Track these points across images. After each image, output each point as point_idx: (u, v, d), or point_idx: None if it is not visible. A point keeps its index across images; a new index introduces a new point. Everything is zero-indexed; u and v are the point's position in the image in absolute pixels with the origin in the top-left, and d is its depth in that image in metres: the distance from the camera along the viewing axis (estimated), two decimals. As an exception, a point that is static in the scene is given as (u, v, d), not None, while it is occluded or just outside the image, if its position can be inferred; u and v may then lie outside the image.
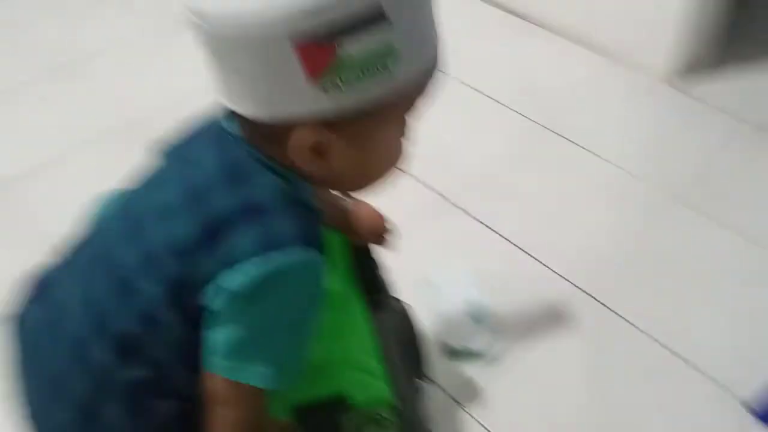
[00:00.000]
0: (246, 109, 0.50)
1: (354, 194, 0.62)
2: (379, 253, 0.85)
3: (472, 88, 1.58)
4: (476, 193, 1.34)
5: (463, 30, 1.62)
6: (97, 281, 0.54)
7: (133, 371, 0.53)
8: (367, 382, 0.72)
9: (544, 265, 1.21)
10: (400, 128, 0.55)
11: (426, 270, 1.17)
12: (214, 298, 0.50)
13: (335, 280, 0.74)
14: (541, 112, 1.51)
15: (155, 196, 0.55)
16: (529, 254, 1.23)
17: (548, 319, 1.14)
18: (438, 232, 1.27)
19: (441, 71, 0.54)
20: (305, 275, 0.53)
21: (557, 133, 1.47)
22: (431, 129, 1.42)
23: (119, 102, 1.54)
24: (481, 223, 1.29)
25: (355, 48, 0.46)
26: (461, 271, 1.17)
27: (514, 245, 1.25)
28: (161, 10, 1.77)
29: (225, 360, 0.52)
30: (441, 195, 1.34)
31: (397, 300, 0.97)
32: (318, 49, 0.45)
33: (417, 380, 0.94)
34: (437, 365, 1.07)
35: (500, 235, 1.27)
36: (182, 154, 0.56)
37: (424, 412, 0.90)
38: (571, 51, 1.68)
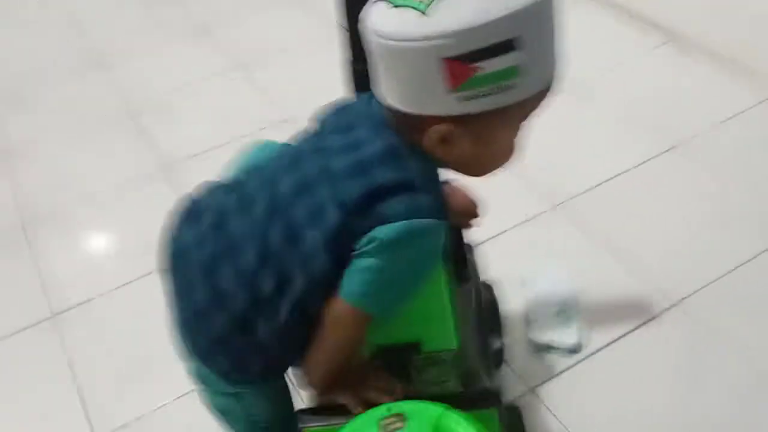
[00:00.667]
0: (400, 104, 0.65)
1: (469, 178, 0.75)
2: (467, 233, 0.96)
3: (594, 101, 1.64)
4: (582, 200, 1.41)
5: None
6: (271, 228, 0.69)
7: (285, 298, 0.69)
8: (440, 335, 0.84)
9: (636, 269, 1.26)
10: (515, 131, 0.68)
11: (521, 264, 1.26)
12: (366, 245, 0.65)
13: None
14: (669, 134, 1.55)
15: (322, 161, 0.69)
16: (623, 259, 1.28)
17: (634, 322, 1.19)
18: (537, 231, 1.36)
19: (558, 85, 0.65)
20: (434, 240, 0.68)
21: (681, 155, 1.50)
22: (552, 135, 1.53)
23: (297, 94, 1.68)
24: (578, 227, 1.36)
25: (487, 68, 0.59)
26: (554, 267, 1.25)
27: (612, 250, 1.30)
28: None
29: (357, 290, 0.67)
30: (547, 198, 1.42)
31: (486, 285, 1.07)
32: (460, 67, 0.59)
33: (491, 354, 1.03)
34: (520, 354, 1.15)
35: (597, 239, 1.33)
36: (344, 127, 0.71)
37: (490, 377, 0.99)
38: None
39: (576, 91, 1.67)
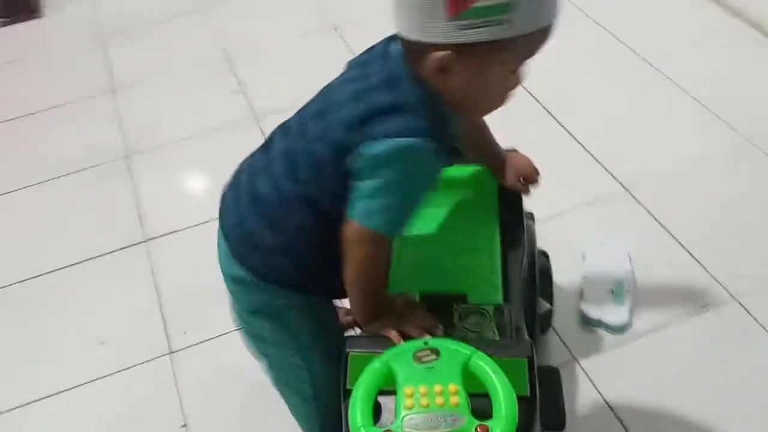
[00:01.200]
0: (406, 31, 0.71)
1: (471, 115, 0.82)
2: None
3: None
4: (654, 182, 1.43)
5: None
6: (296, 144, 0.82)
7: (305, 201, 0.80)
8: (485, 289, 0.91)
9: (698, 257, 1.28)
10: (508, 73, 0.73)
11: (584, 239, 1.31)
12: (357, 159, 0.73)
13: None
14: (747, 124, 1.53)
15: (339, 92, 0.79)
16: (686, 246, 1.30)
17: (688, 309, 1.21)
18: (604, 209, 1.40)
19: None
20: (423, 159, 0.74)
21: (758, 146, 1.48)
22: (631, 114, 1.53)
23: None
24: (647, 209, 1.38)
25: (483, 0, 0.65)
26: (616, 246, 1.28)
27: (676, 236, 1.32)
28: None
29: (359, 209, 0.75)
30: (619, 177, 1.45)
31: (542, 252, 1.13)
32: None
33: (538, 317, 1.09)
34: (569, 325, 1.21)
35: (663, 223, 1.35)
36: (362, 63, 0.81)
37: (534, 338, 1.03)
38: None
39: (656, 72, 1.68)
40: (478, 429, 0.66)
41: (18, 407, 1.23)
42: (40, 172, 1.69)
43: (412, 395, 0.69)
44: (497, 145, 0.99)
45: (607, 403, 1.10)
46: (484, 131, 0.97)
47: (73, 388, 1.24)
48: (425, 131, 0.72)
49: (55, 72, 2.06)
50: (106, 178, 1.66)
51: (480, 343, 0.77)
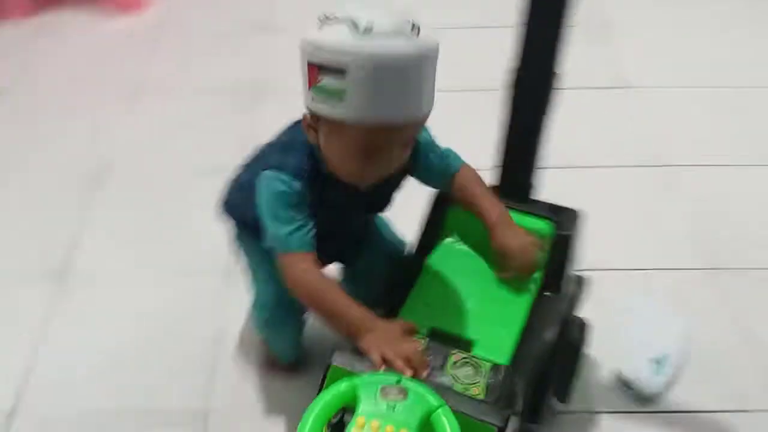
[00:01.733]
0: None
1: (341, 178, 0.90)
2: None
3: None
4: (740, 274, 1.34)
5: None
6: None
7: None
8: (495, 345, 0.89)
9: (757, 357, 1.20)
10: (351, 152, 0.85)
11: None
12: None
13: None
14: None
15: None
16: (749, 342, 1.22)
17: (729, 405, 1.14)
18: (678, 283, 1.32)
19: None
20: (278, 184, 0.90)
21: None
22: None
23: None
24: (722, 294, 1.29)
25: (326, 82, 0.79)
26: (676, 319, 1.22)
27: (743, 331, 1.24)
28: None
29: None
30: (705, 256, 1.37)
31: (580, 322, 1.06)
32: (313, 71, 0.80)
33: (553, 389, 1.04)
34: (598, 378, 1.17)
35: (734, 312, 1.26)
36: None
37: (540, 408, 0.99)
38: None
39: None
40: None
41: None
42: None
43: (362, 427, 0.70)
44: (488, 212, 0.96)
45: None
46: (466, 195, 0.98)
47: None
48: (291, 167, 0.90)
49: None
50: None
51: (456, 397, 0.77)
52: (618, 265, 1.33)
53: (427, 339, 0.87)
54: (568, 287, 0.98)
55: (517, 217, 0.96)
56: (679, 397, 1.14)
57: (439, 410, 0.72)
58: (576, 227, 0.96)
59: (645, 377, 1.15)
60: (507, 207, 0.96)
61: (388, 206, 1.02)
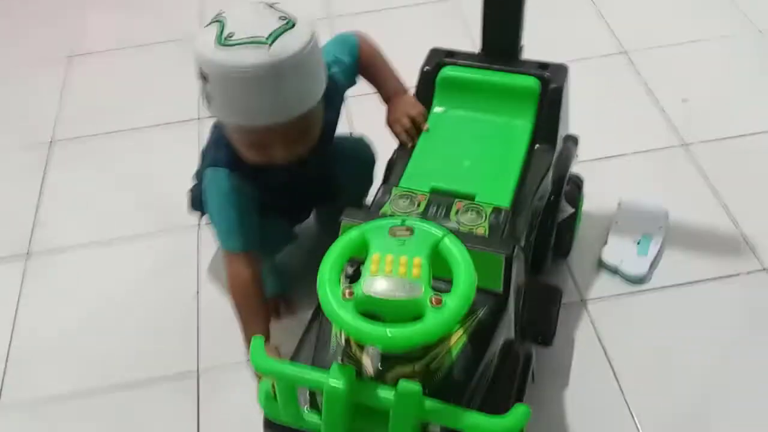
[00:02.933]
0: None
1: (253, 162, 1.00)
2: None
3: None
4: (713, 147, 1.42)
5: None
6: None
7: None
8: (496, 191, 0.96)
9: (738, 225, 1.28)
10: (246, 145, 0.97)
11: (626, 188, 1.33)
12: None
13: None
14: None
15: None
16: (729, 212, 1.30)
17: (714, 272, 1.21)
18: (655, 163, 1.40)
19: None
20: (220, 182, 1.02)
21: None
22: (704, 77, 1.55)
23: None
24: (699, 170, 1.38)
25: (200, 82, 0.91)
26: (656, 199, 1.30)
27: (723, 200, 1.32)
28: None
29: None
30: (679, 134, 1.45)
31: (577, 177, 1.16)
32: (201, 78, 0.90)
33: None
34: (586, 266, 1.24)
35: (712, 185, 1.34)
36: None
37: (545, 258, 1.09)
38: None
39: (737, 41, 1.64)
40: (433, 299, 0.73)
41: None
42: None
43: (378, 262, 0.76)
44: (391, 83, 1.11)
45: (604, 349, 1.13)
46: (373, 65, 1.10)
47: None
48: (223, 162, 1.01)
49: None
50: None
51: (462, 236, 0.84)
52: (593, 155, 1.38)
53: (429, 194, 0.94)
54: (562, 142, 1.05)
55: (504, 76, 1.03)
56: (665, 273, 1.22)
57: (445, 238, 0.79)
58: (565, 80, 1.03)
59: (629, 259, 1.23)
60: (495, 68, 1.04)
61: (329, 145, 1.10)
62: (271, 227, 1.12)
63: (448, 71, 1.06)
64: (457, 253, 0.77)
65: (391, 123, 1.09)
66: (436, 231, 0.79)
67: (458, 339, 0.81)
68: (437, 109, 1.08)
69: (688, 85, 1.56)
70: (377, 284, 0.74)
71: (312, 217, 1.29)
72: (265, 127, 0.92)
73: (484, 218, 0.91)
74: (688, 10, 1.75)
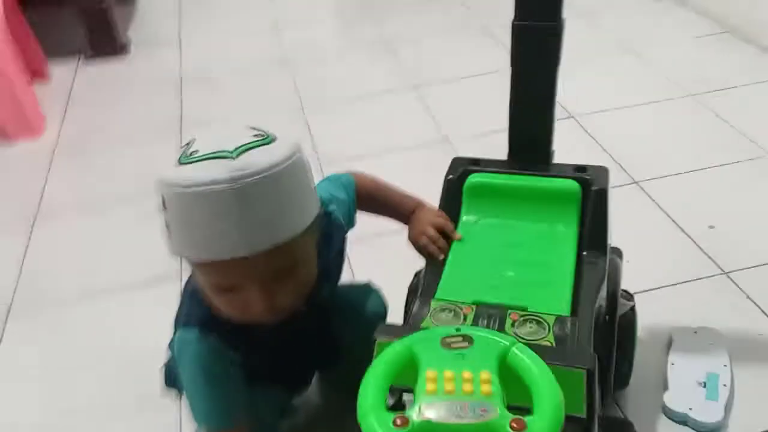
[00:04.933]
0: None
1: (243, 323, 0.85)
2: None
3: None
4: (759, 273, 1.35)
5: None
6: None
7: None
8: (551, 299, 0.86)
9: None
10: (213, 289, 0.82)
11: (671, 324, 1.23)
12: None
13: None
14: None
15: None
16: None
17: None
18: (699, 295, 1.32)
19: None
20: (195, 349, 0.88)
21: None
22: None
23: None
24: (751, 300, 1.29)
25: (163, 213, 0.77)
26: (709, 334, 1.20)
27: None
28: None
29: None
30: (717, 262, 1.38)
31: (626, 294, 1.07)
32: (161, 206, 0.77)
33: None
34: (651, 422, 1.10)
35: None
36: None
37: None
38: None
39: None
40: (514, 424, 0.59)
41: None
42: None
43: (435, 380, 0.64)
44: (406, 202, 1.05)
45: None
46: (377, 197, 1.04)
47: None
48: (197, 320, 0.87)
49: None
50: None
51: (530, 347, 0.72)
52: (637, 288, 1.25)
53: (474, 308, 0.83)
54: (611, 256, 0.98)
55: (540, 180, 0.98)
56: (743, 419, 1.09)
57: (514, 348, 0.67)
58: (608, 182, 0.98)
59: (698, 405, 1.09)
60: (531, 174, 0.99)
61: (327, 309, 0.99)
62: (262, 399, 0.97)
63: (476, 178, 1.00)
64: (531, 364, 0.65)
65: (415, 237, 1.00)
66: (502, 340, 0.67)
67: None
68: (467, 218, 1.00)
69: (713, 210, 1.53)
70: (438, 407, 0.61)
71: (314, 386, 1.15)
72: (233, 264, 0.76)
73: (547, 330, 0.79)
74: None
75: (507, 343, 0.67)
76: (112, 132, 2.08)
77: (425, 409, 0.61)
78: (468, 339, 0.67)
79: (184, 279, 1.14)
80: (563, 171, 1.00)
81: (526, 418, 0.60)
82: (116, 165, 1.93)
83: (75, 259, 1.61)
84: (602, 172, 1.00)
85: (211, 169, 0.73)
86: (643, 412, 1.11)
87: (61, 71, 2.41)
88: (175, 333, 0.92)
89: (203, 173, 0.72)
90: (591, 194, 0.97)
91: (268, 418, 0.98)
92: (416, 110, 2.00)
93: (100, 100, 2.27)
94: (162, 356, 1.06)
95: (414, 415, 0.61)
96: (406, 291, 1.04)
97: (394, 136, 1.88)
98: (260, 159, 0.74)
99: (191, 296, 0.90)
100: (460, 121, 1.90)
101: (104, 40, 2.45)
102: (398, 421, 0.60)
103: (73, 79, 2.39)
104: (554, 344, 0.77)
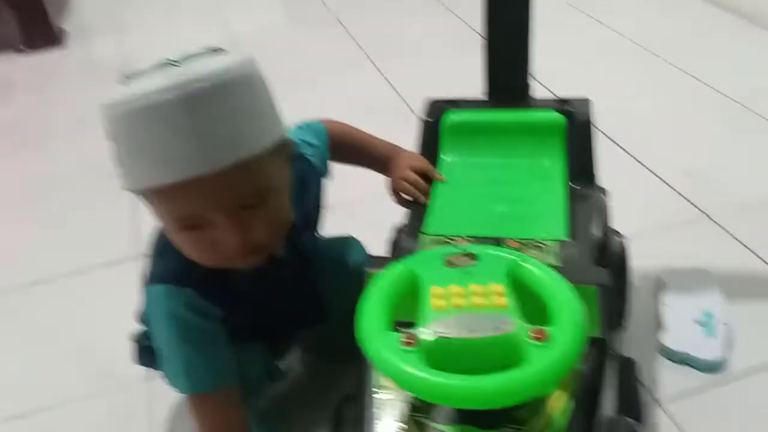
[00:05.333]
0: None
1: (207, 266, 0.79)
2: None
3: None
4: (741, 213, 1.34)
5: None
6: None
7: None
8: (548, 225, 0.83)
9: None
10: (175, 226, 0.75)
11: (659, 267, 1.20)
12: None
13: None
14: None
15: None
16: None
17: None
18: (684, 236, 1.30)
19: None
20: (163, 302, 0.81)
21: None
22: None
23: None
24: (736, 239, 1.28)
25: (113, 148, 0.72)
26: (700, 273, 1.17)
27: None
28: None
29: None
30: (700, 205, 1.37)
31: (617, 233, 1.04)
32: (110, 139, 0.72)
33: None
34: (650, 363, 1.07)
35: (755, 253, 1.24)
36: None
37: None
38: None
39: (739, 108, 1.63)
40: (534, 333, 0.54)
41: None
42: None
43: (441, 296, 0.58)
44: (380, 147, 1.01)
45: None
46: (351, 143, 0.99)
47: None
48: (168, 275, 0.81)
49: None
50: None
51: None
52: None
53: (469, 239, 0.77)
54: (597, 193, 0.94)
55: (522, 114, 0.94)
56: (743, 355, 1.06)
57: (523, 261, 0.62)
58: (591, 112, 0.94)
59: (697, 344, 1.06)
60: (510, 108, 0.95)
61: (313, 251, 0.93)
62: (246, 358, 0.89)
63: (454, 116, 0.95)
64: (544, 275, 0.60)
65: (395, 183, 0.95)
66: (509, 254, 0.62)
67: (560, 403, 0.60)
68: (447, 159, 0.95)
69: (675, 150, 1.53)
70: (449, 323, 0.55)
71: (296, 355, 1.08)
72: (192, 187, 0.69)
73: (549, 254, 0.74)
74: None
75: (515, 257, 0.61)
76: (52, 120, 1.98)
77: (435, 326, 0.55)
78: (472, 256, 0.62)
79: (140, 262, 1.07)
80: (544, 104, 0.96)
81: (547, 328, 0.55)
82: (58, 151, 1.84)
83: (22, 246, 1.52)
84: (584, 103, 0.97)
85: (155, 79, 0.67)
86: (640, 353, 1.07)
87: (-6, 65, 2.30)
88: (145, 297, 0.84)
89: (147, 84, 0.67)
90: (576, 125, 0.93)
91: (254, 379, 0.91)
92: (373, 78, 1.94)
93: (38, 89, 2.17)
94: (123, 338, 0.98)
95: (422, 332, 0.55)
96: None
97: (355, 105, 1.81)
98: (209, 65, 0.68)
99: (160, 253, 0.83)
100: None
101: (37, 30, 2.34)
102: (405, 339, 0.54)
103: (8, 71, 2.27)
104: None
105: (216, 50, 0.72)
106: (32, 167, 1.79)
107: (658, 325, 1.11)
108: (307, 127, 0.97)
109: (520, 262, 0.61)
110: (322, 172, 0.94)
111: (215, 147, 0.68)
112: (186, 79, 0.66)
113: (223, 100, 0.68)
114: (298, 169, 0.84)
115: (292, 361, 1.09)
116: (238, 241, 0.73)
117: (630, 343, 1.08)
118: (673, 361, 1.07)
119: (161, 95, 0.66)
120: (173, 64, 0.69)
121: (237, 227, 0.72)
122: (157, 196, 0.72)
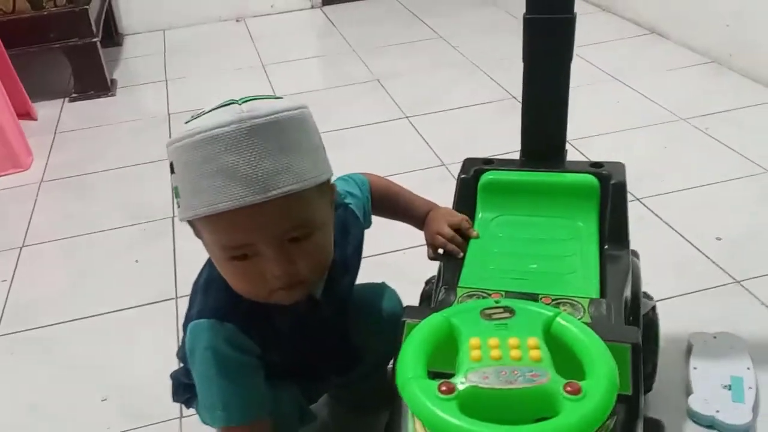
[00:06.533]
0: None
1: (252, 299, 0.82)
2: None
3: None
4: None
5: None
6: None
7: None
8: (579, 284, 0.85)
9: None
10: (223, 258, 0.79)
11: (688, 331, 1.20)
12: None
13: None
14: None
15: None
16: None
17: None
18: (712, 301, 1.30)
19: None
20: (206, 335, 0.83)
21: None
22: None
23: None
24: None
25: (172, 179, 0.77)
26: (729, 337, 1.17)
27: None
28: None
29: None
30: (732, 277, 1.36)
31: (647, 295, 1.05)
32: (170, 171, 0.77)
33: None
34: (673, 426, 1.07)
35: None
36: None
37: None
38: None
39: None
40: (568, 388, 0.56)
41: None
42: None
43: (479, 347, 0.61)
44: (419, 203, 1.04)
45: None
46: (391, 198, 1.03)
47: None
48: (211, 310, 0.83)
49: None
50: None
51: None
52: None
53: (504, 293, 0.79)
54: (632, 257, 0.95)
55: (556, 176, 0.96)
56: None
57: (558, 317, 0.64)
58: (625, 176, 0.96)
59: (725, 408, 1.06)
60: (546, 171, 0.97)
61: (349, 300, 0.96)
62: (280, 396, 0.91)
63: (491, 176, 0.98)
64: (579, 332, 0.62)
65: (431, 237, 0.98)
66: (545, 310, 0.64)
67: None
68: (483, 216, 0.99)
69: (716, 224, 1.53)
70: (486, 373, 0.57)
71: (328, 402, 1.11)
72: (245, 215, 0.73)
73: (582, 311, 0.76)
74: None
75: (551, 313, 0.64)
76: (99, 165, 2.05)
77: (472, 376, 0.57)
78: (509, 310, 0.64)
79: (180, 305, 1.11)
80: (579, 167, 0.99)
81: (581, 382, 0.57)
82: (103, 197, 1.89)
83: (62, 288, 1.56)
84: (619, 167, 0.99)
85: (217, 116, 0.73)
86: (668, 416, 1.07)
87: (46, 110, 2.39)
88: (185, 334, 0.87)
89: (210, 121, 0.73)
90: (610, 189, 0.96)
91: (286, 417, 0.92)
92: (412, 139, 1.99)
93: (87, 136, 2.25)
94: (162, 380, 1.01)
95: (460, 382, 0.57)
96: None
97: (392, 164, 1.86)
98: (266, 106, 0.74)
99: (204, 289, 0.87)
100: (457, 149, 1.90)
101: (91, 78, 2.44)
102: (443, 388, 0.56)
103: (59, 117, 2.37)
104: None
105: (273, 96, 0.79)
106: (76, 209, 1.85)
107: (686, 388, 1.11)
108: (351, 179, 1.01)
109: (556, 318, 0.63)
110: (363, 222, 0.97)
111: (270, 177, 0.72)
112: (247, 116, 0.72)
113: (278, 134, 0.73)
114: (340, 216, 0.88)
115: (321, 408, 1.11)
116: (282, 271, 0.76)
117: (658, 405, 1.08)
118: (700, 424, 1.07)
119: (223, 128, 0.71)
120: (234, 103, 0.74)
121: (283, 258, 0.76)
122: (211, 224, 0.76)
